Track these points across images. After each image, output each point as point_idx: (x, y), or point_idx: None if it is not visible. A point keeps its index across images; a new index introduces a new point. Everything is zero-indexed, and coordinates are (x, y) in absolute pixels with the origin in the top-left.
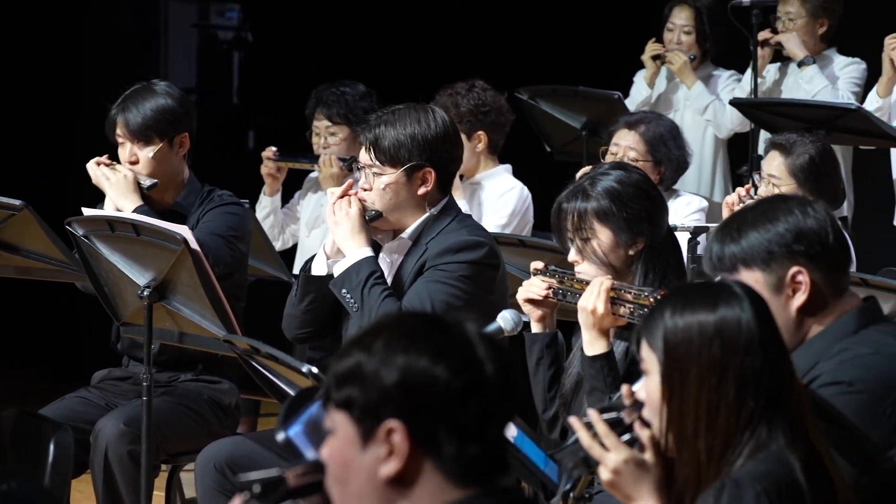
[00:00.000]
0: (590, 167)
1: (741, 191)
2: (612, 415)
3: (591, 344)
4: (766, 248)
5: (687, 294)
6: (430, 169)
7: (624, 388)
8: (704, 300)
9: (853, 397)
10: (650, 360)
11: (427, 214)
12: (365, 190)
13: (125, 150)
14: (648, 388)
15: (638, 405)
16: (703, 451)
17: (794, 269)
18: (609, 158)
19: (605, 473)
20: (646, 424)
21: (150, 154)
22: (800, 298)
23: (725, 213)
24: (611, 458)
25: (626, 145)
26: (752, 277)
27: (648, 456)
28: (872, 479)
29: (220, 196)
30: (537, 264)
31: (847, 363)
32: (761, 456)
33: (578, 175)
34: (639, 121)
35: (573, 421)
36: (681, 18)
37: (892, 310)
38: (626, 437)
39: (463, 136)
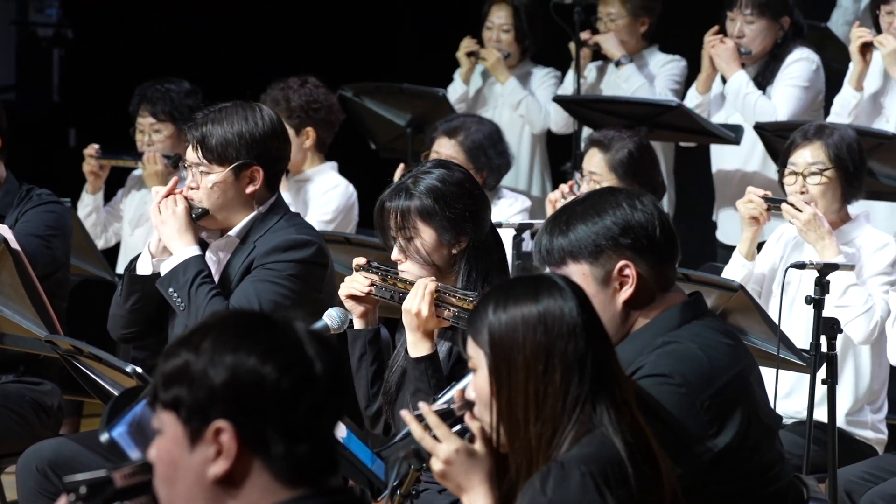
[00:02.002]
0: (402, 165)
1: (564, 188)
2: (444, 407)
3: (416, 346)
4: (593, 240)
5: (509, 288)
6: (258, 167)
7: (455, 393)
8: (527, 292)
9: (672, 389)
10: (477, 356)
11: (255, 213)
12: (192, 188)
13: None
14: (477, 384)
15: (469, 404)
16: (533, 438)
17: (622, 262)
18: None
19: (436, 464)
20: (477, 419)
21: None
22: (626, 292)
23: (549, 211)
24: (442, 448)
25: (446, 153)
26: (580, 270)
27: (479, 446)
28: (689, 471)
29: (38, 195)
30: (360, 260)
31: (668, 356)
32: (587, 439)
33: (397, 173)
34: (458, 128)
35: (405, 414)
36: (499, 17)
37: (714, 305)
38: (457, 428)
39: (291, 132)
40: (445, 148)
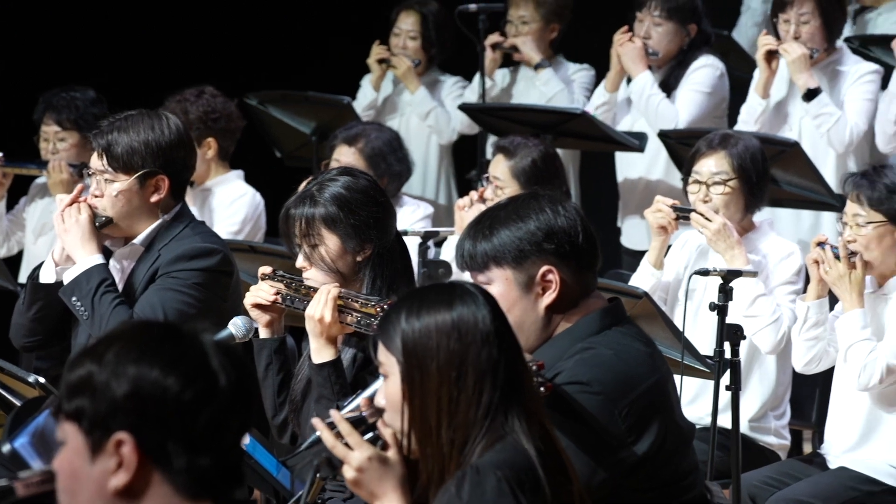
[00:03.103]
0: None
1: (474, 194)
2: (355, 414)
3: (319, 352)
4: (517, 245)
5: (422, 296)
6: (164, 176)
7: (362, 401)
8: (440, 300)
9: (590, 397)
10: (389, 362)
11: (160, 221)
12: (96, 196)
13: None
14: (388, 391)
15: (379, 411)
16: (445, 444)
17: (545, 267)
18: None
19: (349, 472)
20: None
21: None
22: (549, 297)
23: (457, 218)
24: (354, 456)
25: (346, 161)
26: (503, 275)
27: (392, 453)
28: (607, 477)
29: None
30: (265, 269)
31: (586, 363)
32: (500, 446)
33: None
34: (358, 135)
35: (316, 422)
36: (407, 24)
37: None
38: (369, 435)
39: None
40: (345, 156)
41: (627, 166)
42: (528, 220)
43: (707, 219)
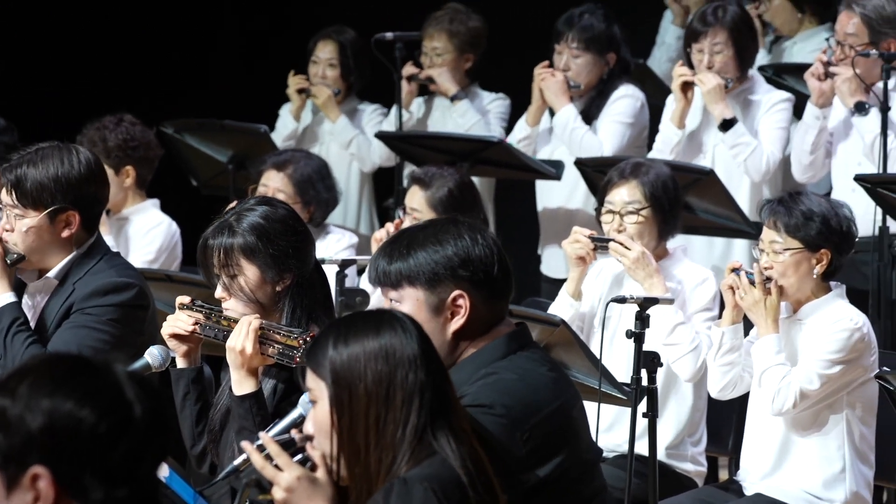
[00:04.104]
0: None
1: (390, 226)
2: (284, 436)
3: (240, 383)
4: (432, 268)
5: (350, 322)
6: (74, 212)
7: (295, 434)
8: (368, 326)
9: (493, 419)
10: (318, 387)
11: (73, 254)
12: (7, 231)
13: None
14: (317, 416)
15: (308, 438)
16: (373, 465)
17: (457, 292)
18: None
19: (278, 493)
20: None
21: None
22: (458, 321)
23: (374, 250)
24: (284, 477)
25: (274, 186)
26: (415, 295)
27: (321, 473)
28: (509, 500)
29: None
30: (183, 299)
31: (490, 387)
32: (428, 462)
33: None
34: (287, 161)
35: (245, 444)
36: (325, 52)
37: (537, 339)
38: (298, 457)
39: (110, 171)
40: (274, 181)
41: (547, 195)
42: (446, 244)
43: (626, 247)
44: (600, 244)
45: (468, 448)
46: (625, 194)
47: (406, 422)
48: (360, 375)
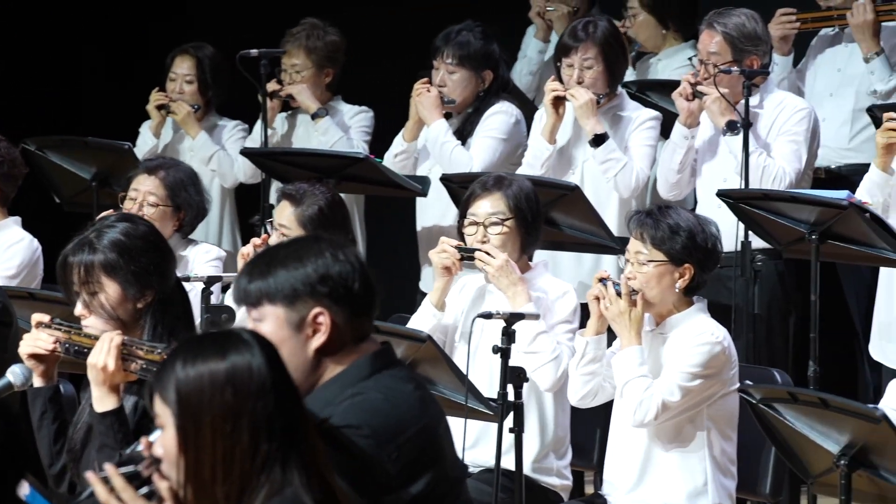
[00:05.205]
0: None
1: (256, 241)
2: (130, 468)
3: (102, 400)
4: (291, 285)
5: (197, 344)
6: None
7: (143, 441)
8: (214, 349)
9: (361, 440)
10: (164, 413)
11: None
12: None
13: None
14: (164, 442)
15: (156, 461)
16: (221, 500)
17: (317, 309)
18: (128, 204)
19: None
20: (165, 478)
21: None
22: (319, 339)
23: (241, 265)
24: None
25: (145, 190)
26: (275, 313)
27: None
28: None
29: None
30: (41, 317)
31: (356, 407)
32: (277, 500)
33: None
34: (158, 166)
35: (90, 476)
36: (182, 68)
37: (403, 355)
38: (145, 490)
39: None
40: (145, 185)
41: (425, 212)
42: (306, 262)
43: (491, 256)
44: (466, 254)
45: (320, 481)
46: (488, 206)
47: (254, 455)
48: (206, 407)
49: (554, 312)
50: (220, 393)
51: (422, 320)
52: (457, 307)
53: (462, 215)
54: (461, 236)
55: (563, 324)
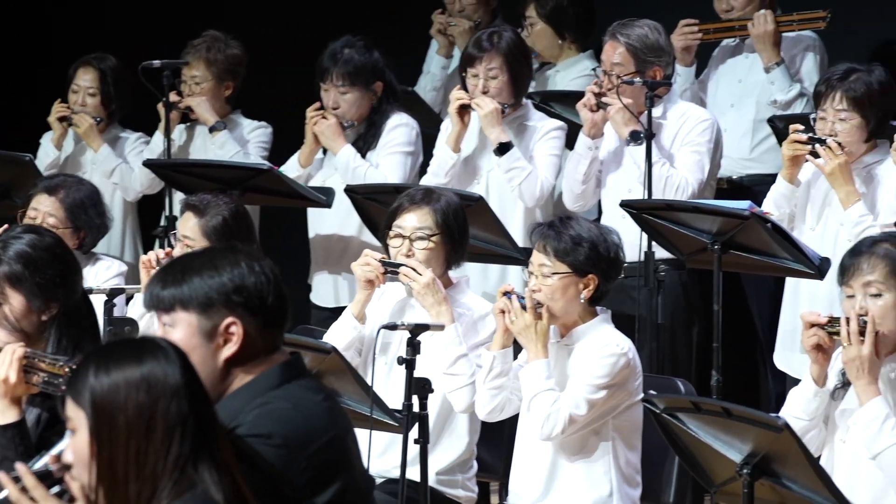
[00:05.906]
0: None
1: (160, 251)
2: (42, 468)
3: (3, 413)
4: (205, 293)
5: (112, 351)
6: None
7: (48, 458)
8: (130, 354)
9: (270, 450)
10: (77, 417)
11: None
12: None
13: None
14: (76, 445)
15: (66, 467)
16: (132, 498)
17: (230, 319)
18: (27, 223)
19: None
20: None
21: None
22: (230, 349)
23: (143, 275)
24: None
25: (45, 211)
26: (188, 320)
27: None
28: None
29: None
30: None
31: (266, 416)
32: (189, 495)
33: None
34: (58, 186)
35: (1, 476)
36: (85, 80)
37: (308, 367)
38: (56, 489)
39: None
40: (44, 205)
41: (319, 222)
42: (221, 271)
43: (417, 272)
44: (391, 268)
45: (230, 480)
46: (415, 220)
47: (167, 453)
48: (121, 407)
49: (477, 332)
50: (135, 393)
51: (342, 330)
52: (376, 317)
53: (387, 227)
54: (386, 249)
55: (485, 345)
